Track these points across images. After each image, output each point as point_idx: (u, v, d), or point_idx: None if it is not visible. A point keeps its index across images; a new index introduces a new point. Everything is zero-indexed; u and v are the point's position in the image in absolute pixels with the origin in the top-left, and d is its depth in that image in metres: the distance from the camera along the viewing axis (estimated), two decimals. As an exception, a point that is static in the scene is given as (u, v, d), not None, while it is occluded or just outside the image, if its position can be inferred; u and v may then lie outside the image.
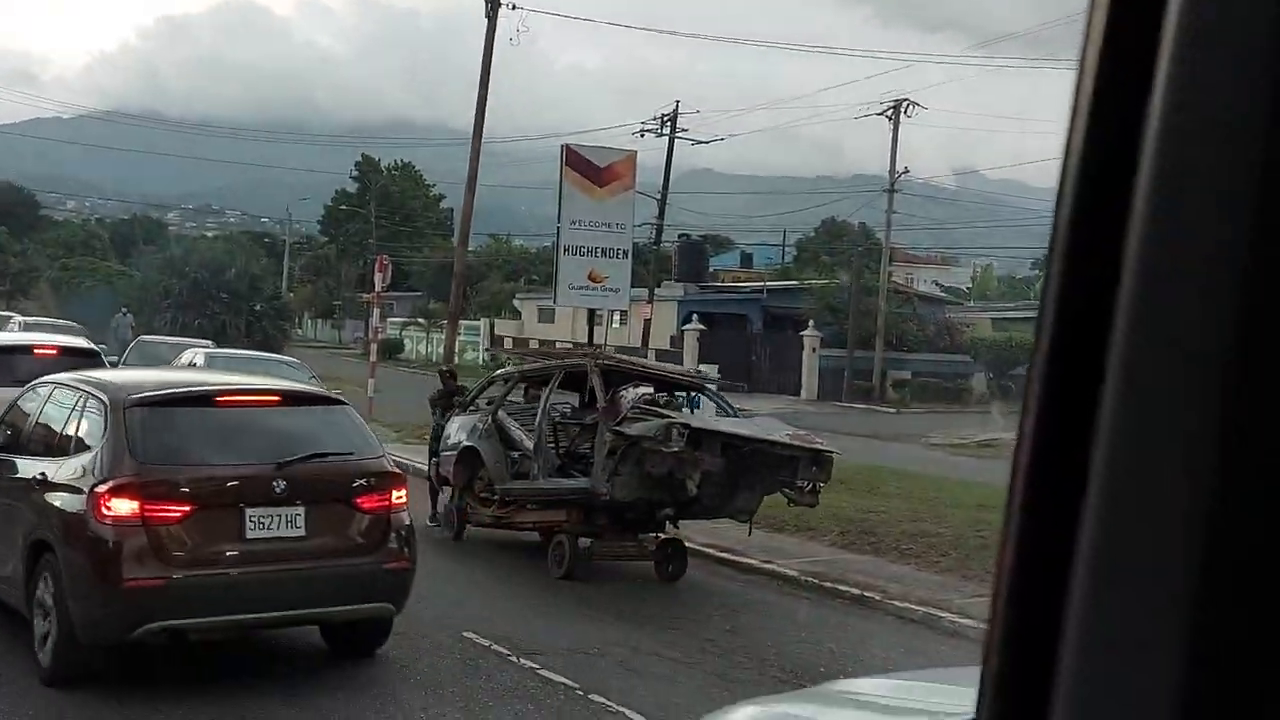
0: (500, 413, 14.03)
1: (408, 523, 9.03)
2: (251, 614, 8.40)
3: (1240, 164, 0.55)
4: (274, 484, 8.34)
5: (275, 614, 8.54)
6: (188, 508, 8.09)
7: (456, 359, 32.26)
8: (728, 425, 12.49)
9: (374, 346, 29.74)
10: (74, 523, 8.13)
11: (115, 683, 8.22)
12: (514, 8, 29.96)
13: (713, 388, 14.77)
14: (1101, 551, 0.59)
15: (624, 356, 17.45)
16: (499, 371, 16.54)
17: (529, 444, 13.31)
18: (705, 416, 13.50)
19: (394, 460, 19.73)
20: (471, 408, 14.86)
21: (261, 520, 8.32)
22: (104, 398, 8.68)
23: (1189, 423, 0.56)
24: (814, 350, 42.77)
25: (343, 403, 9.64)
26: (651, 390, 13.13)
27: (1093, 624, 0.60)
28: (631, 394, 12.45)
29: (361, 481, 8.77)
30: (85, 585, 8.03)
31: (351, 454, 8.94)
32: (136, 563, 7.90)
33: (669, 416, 12.29)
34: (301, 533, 8.43)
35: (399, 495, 8.95)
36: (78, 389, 9.17)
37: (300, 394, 9.82)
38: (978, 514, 15.32)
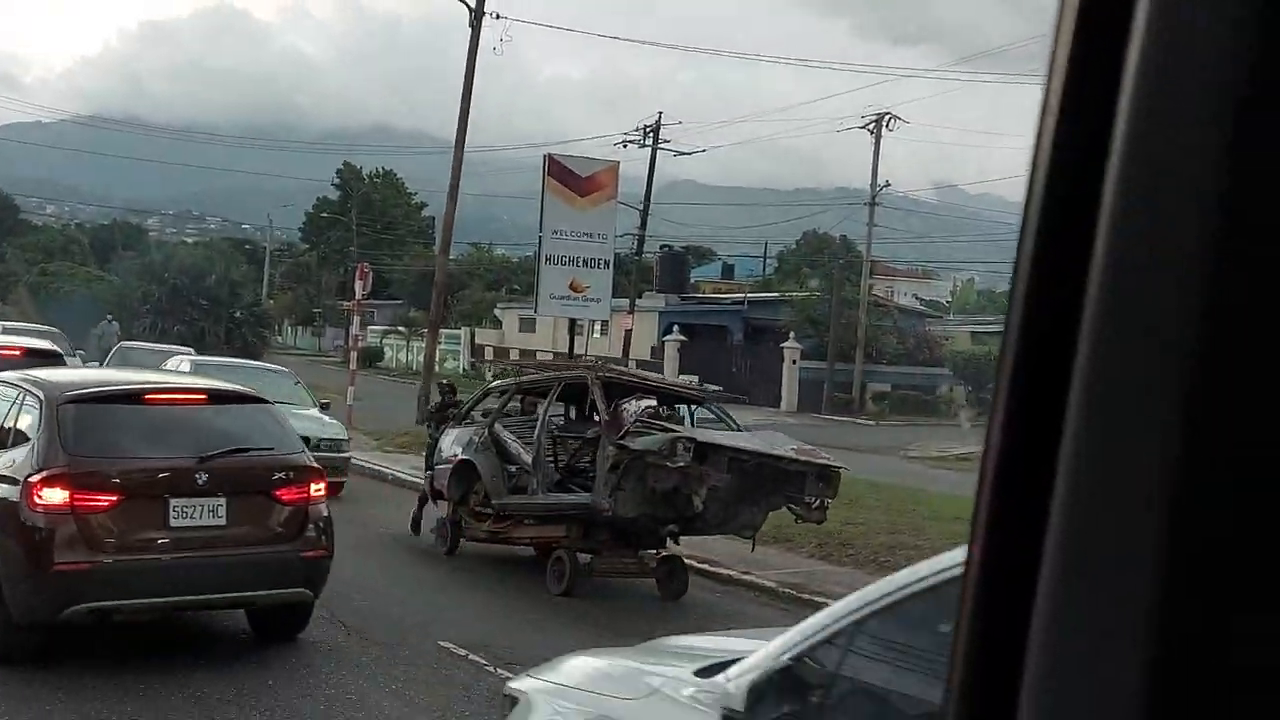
0: (497, 425, 13.77)
1: (325, 514, 9.54)
2: (175, 597, 8.94)
3: (1209, 159, 0.56)
4: (196, 476, 8.86)
5: (197, 597, 9.11)
6: (115, 497, 8.61)
7: (437, 368, 32.22)
8: (733, 439, 12.26)
9: (354, 354, 29.69)
10: (8, 511, 8.57)
11: (59, 660, 8.54)
12: (497, 17, 29.99)
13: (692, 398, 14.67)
14: (1069, 548, 0.60)
15: (625, 369, 17.30)
16: (495, 383, 16.32)
17: (527, 458, 13.04)
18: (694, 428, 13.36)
19: (372, 468, 19.82)
20: (466, 420, 14.64)
21: (184, 510, 8.83)
22: (40, 394, 9.17)
23: (1159, 415, 0.57)
24: (794, 362, 42.86)
25: (265, 401, 10.15)
26: (655, 403, 12.97)
27: (1059, 622, 0.60)
28: (634, 407, 12.23)
29: (281, 475, 9.29)
30: (18, 569, 8.51)
31: (272, 449, 9.47)
32: (66, 548, 8.42)
33: (673, 430, 12.09)
34: (222, 522, 8.96)
35: (317, 488, 9.47)
36: (18, 386, 9.59)
37: (225, 393, 10.24)
38: (955, 527, 15.34)
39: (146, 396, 9.54)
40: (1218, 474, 0.56)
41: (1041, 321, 0.64)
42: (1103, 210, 0.59)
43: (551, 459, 13.55)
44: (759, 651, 3.88)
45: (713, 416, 13.87)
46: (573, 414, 14.49)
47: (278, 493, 9.26)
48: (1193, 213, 0.56)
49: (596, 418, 12.76)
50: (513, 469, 13.35)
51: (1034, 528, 0.61)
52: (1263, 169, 0.55)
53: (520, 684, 4.99)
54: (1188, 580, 0.56)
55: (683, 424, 13.12)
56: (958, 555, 3.39)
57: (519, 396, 14.78)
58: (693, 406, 14.04)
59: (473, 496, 13.76)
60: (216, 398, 9.96)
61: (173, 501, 8.80)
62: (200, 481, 8.87)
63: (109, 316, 39.68)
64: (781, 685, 3.66)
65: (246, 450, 9.31)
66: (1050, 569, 0.61)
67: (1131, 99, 0.58)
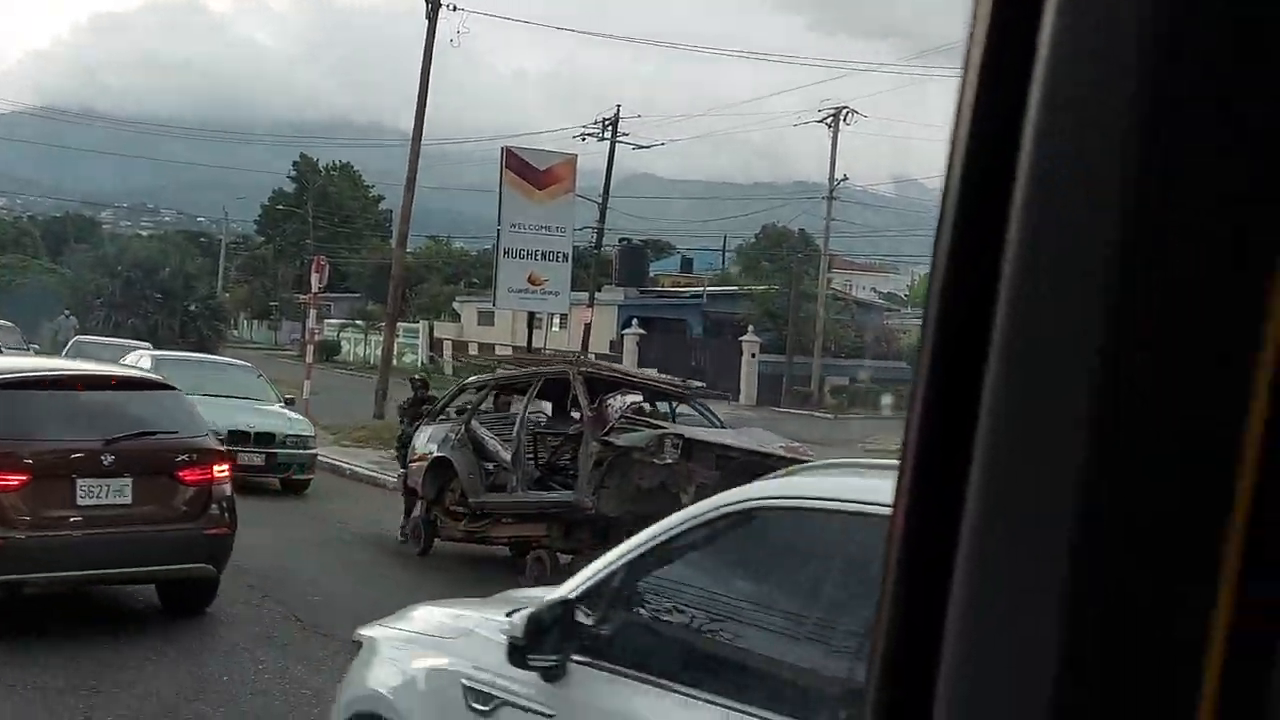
0: (474, 421, 13.53)
1: (229, 494, 10.06)
2: (82, 571, 9.46)
3: (1113, 152, 0.58)
4: (103, 458, 9.37)
5: (104, 571, 9.63)
6: (25, 477, 9.10)
7: (395, 362, 32.06)
8: (720, 436, 12.05)
9: (310, 348, 29.49)
10: None
11: (16, 657, 8.57)
12: (454, 9, 29.85)
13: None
14: (988, 506, 0.61)
15: (607, 364, 17.05)
16: (471, 379, 16.08)
17: (506, 455, 12.80)
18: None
19: (330, 463, 19.67)
20: (441, 417, 14.38)
21: (91, 490, 9.36)
22: None
23: (1077, 372, 0.58)
24: (753, 355, 42.96)
25: (172, 388, 10.65)
26: (641, 399, 12.79)
27: (978, 580, 0.61)
28: (619, 402, 12.07)
29: (184, 457, 9.83)
30: None
31: (176, 432, 10.01)
32: None
33: (659, 426, 11.89)
34: (128, 501, 9.48)
35: (220, 470, 10.01)
36: None
37: (132, 379, 10.91)
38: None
39: (57, 382, 10.05)
40: (1134, 433, 0.57)
41: (959, 310, 0.65)
42: (1015, 200, 0.61)
43: (531, 456, 13.32)
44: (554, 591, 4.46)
45: (694, 413, 13.61)
46: (552, 410, 14.29)
47: (182, 473, 9.78)
48: (1098, 205, 0.58)
49: (578, 414, 12.59)
50: (491, 466, 13.09)
51: (954, 494, 0.63)
52: (1166, 152, 0.57)
53: (367, 631, 5.47)
54: (1105, 537, 0.57)
55: (666, 420, 12.93)
56: (719, 499, 4.16)
57: (496, 392, 14.50)
58: (674, 403, 13.79)
59: (448, 495, 13.46)
60: (124, 384, 10.49)
61: (80, 481, 9.29)
62: (106, 463, 9.37)
63: (66, 312, 39.29)
64: (560, 617, 4.13)
65: (152, 433, 9.80)
66: (970, 527, 0.61)
67: (1041, 95, 0.60)
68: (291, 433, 17.80)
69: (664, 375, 14.41)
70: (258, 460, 17.26)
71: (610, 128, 43.41)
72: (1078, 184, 0.59)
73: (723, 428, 12.99)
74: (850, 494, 3.74)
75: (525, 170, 28.09)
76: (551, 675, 4.14)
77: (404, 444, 14.93)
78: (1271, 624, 0.56)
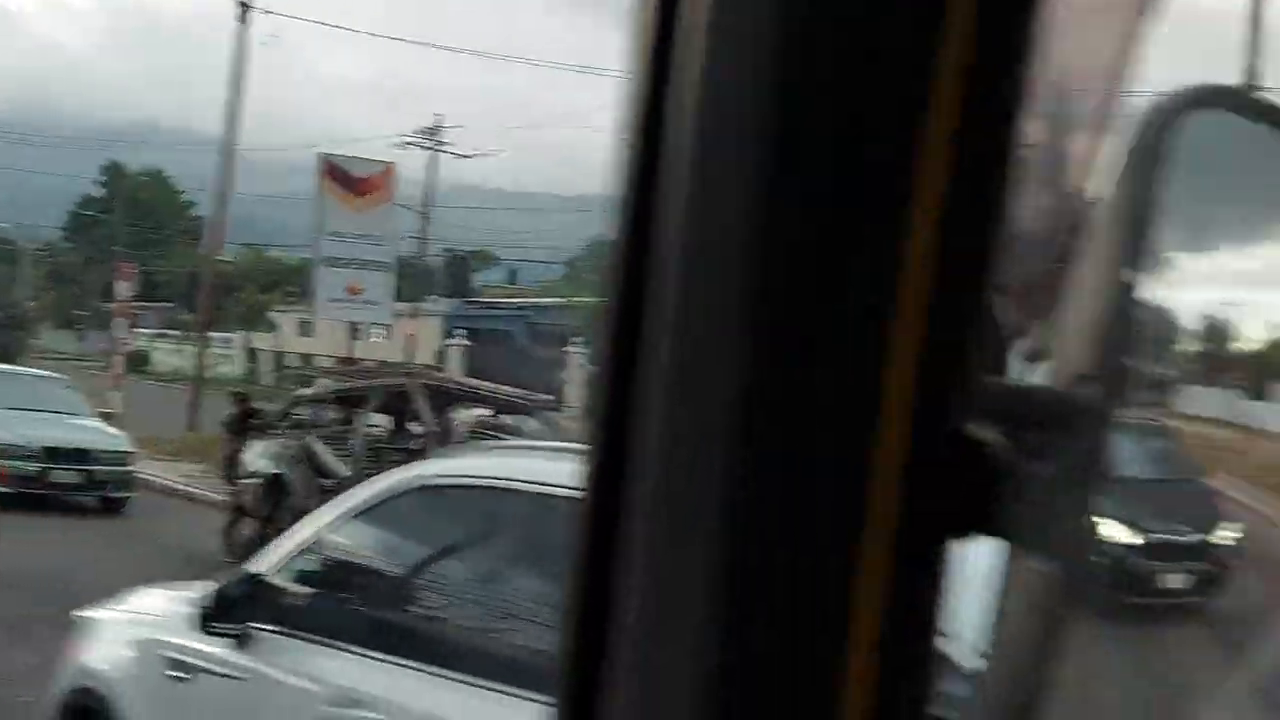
0: (310, 437, 13.12)
1: None
2: None
3: (744, 144, 0.59)
4: None
5: None
6: None
7: (208, 373, 31.15)
8: (572, 449, 11.91)
9: (119, 359, 28.44)
10: None
11: None
12: (268, 13, 29.22)
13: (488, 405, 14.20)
14: (646, 518, 0.62)
15: (450, 375, 16.72)
16: (305, 391, 15.52)
17: (345, 470, 12.36)
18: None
19: (142, 477, 18.92)
20: (273, 431, 13.89)
21: None
22: None
23: (711, 400, 0.60)
24: (580, 367, 42.98)
25: None
26: (490, 413, 12.54)
27: (640, 587, 0.62)
28: (465, 416, 11.84)
29: None
30: None
31: None
32: None
33: (508, 441, 11.79)
34: None
35: None
36: None
37: None
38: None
39: None
40: (773, 430, 0.59)
41: (626, 301, 0.66)
42: (664, 194, 0.62)
43: (372, 472, 12.96)
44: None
45: (540, 425, 13.33)
46: (394, 424, 13.90)
47: None
48: (730, 219, 0.59)
49: (419, 428, 12.30)
50: (329, 483, 12.67)
51: (623, 479, 0.64)
52: (786, 150, 0.58)
53: (86, 612, 5.71)
54: (750, 530, 0.59)
55: (516, 434, 12.65)
56: (393, 475, 4.66)
57: (335, 405, 13.95)
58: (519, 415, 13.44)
59: (284, 513, 12.79)
60: None
61: None
62: None
63: None
64: (248, 589, 4.51)
65: None
66: (635, 512, 0.63)
67: (687, 114, 0.61)
68: (107, 448, 17.07)
69: (508, 387, 14.15)
70: (73, 478, 16.57)
71: (432, 136, 43.06)
72: (713, 174, 0.60)
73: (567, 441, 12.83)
74: (506, 472, 4.21)
75: (343, 178, 27.61)
76: (239, 642, 4.50)
77: (230, 460, 14.43)
78: (913, 615, 0.58)
